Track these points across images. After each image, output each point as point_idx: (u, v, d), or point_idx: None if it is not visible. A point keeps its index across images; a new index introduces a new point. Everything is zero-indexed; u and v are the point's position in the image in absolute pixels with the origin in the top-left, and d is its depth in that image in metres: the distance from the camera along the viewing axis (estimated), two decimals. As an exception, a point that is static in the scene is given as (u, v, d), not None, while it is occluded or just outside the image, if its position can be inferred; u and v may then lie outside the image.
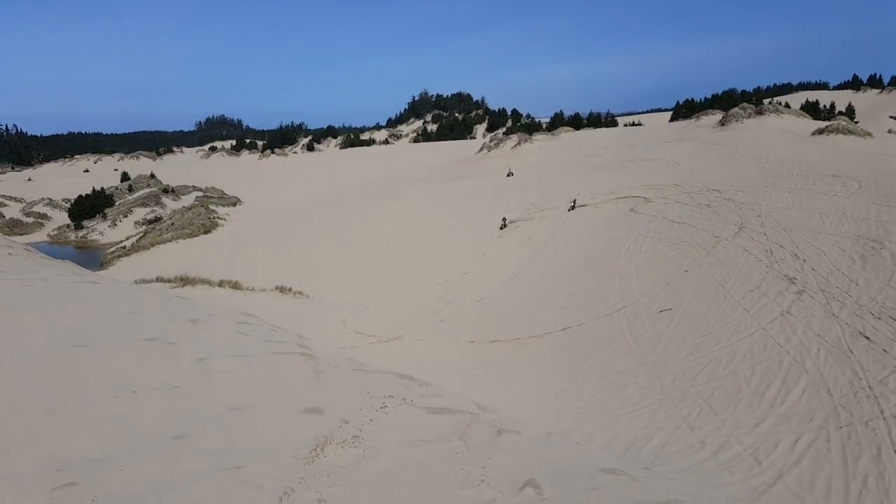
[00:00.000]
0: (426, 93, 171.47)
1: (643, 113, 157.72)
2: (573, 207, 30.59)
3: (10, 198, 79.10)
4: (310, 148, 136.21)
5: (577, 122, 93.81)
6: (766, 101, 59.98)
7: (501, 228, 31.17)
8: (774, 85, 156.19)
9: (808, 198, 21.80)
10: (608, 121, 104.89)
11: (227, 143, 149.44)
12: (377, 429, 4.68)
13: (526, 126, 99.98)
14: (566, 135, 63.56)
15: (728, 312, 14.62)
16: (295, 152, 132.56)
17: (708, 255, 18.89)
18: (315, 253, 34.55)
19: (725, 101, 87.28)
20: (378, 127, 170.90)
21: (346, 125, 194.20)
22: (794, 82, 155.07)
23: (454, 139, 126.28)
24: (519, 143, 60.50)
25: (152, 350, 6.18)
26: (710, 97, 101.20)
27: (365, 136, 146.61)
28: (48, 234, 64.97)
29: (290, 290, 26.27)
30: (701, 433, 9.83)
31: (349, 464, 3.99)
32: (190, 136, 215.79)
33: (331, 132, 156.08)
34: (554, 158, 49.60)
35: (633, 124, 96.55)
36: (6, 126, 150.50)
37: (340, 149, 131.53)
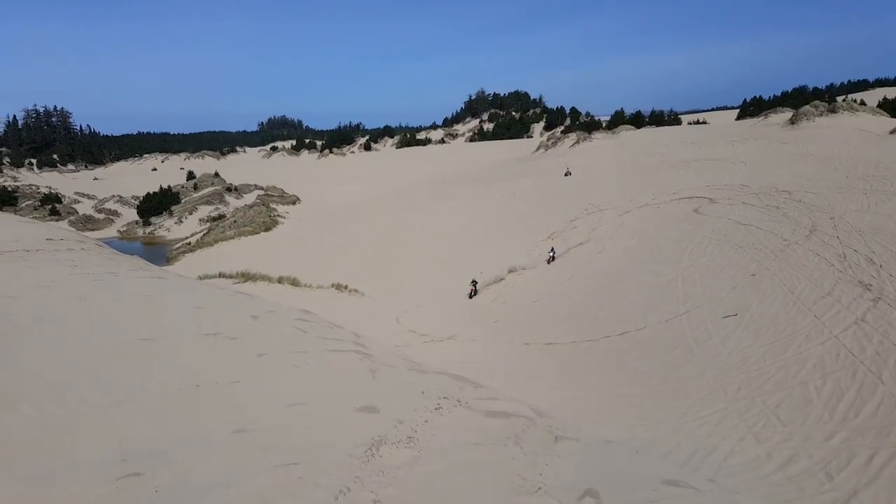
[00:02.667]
0: (483, 91, 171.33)
1: (708, 111, 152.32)
2: (552, 259, 27.30)
3: (84, 195, 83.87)
4: (367, 147, 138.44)
5: (638, 121, 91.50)
6: (839, 99, 56.84)
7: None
8: (849, 81, 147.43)
9: (885, 200, 20.53)
10: (671, 119, 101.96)
11: (288, 143, 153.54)
12: (432, 430, 4.68)
13: (585, 124, 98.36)
14: (627, 133, 62.17)
15: (798, 319, 13.94)
16: (352, 152, 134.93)
17: (776, 258, 18.07)
18: (370, 251, 35.06)
19: (796, 99, 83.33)
20: (434, 126, 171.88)
21: (403, 125, 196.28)
22: (871, 79, 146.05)
23: (511, 138, 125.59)
24: (577, 142, 59.67)
25: (215, 345, 6.40)
26: (779, 94, 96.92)
27: (421, 136, 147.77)
28: (118, 230, 68.47)
29: (345, 287, 26.76)
30: (767, 445, 9.40)
31: (404, 464, 4.01)
32: (252, 136, 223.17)
33: (387, 132, 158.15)
34: (614, 158, 48.63)
35: (698, 122, 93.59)
36: (80, 126, 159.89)
37: (396, 148, 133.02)
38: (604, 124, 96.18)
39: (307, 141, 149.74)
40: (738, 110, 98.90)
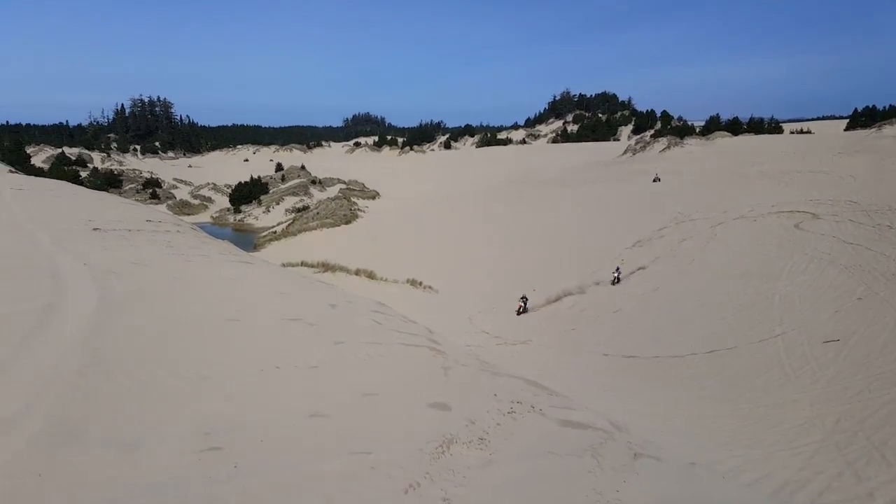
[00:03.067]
0: (568, 92, 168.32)
1: (813, 120, 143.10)
2: (617, 280, 25.02)
3: (181, 181, 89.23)
4: (447, 146, 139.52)
5: (735, 127, 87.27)
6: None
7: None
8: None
9: None
10: (772, 127, 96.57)
11: (371, 140, 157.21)
12: (504, 434, 4.61)
13: (677, 129, 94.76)
14: (722, 140, 59.43)
15: (911, 350, 12.82)
16: (432, 150, 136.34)
17: (887, 282, 16.69)
18: (445, 249, 35.27)
19: (917, 109, 76.88)
20: (516, 126, 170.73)
21: (484, 124, 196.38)
22: None
23: (596, 141, 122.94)
24: (668, 147, 57.62)
25: (295, 330, 6.60)
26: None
27: (502, 136, 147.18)
28: (211, 216, 72.24)
29: (420, 283, 27.05)
30: (869, 484, 8.67)
31: (474, 466, 3.97)
32: (337, 131, 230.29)
33: (468, 131, 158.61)
34: (707, 165, 46.60)
35: (801, 132, 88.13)
36: (180, 116, 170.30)
37: (476, 148, 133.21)
38: (697, 130, 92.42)
39: (389, 137, 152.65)
40: (846, 120, 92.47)
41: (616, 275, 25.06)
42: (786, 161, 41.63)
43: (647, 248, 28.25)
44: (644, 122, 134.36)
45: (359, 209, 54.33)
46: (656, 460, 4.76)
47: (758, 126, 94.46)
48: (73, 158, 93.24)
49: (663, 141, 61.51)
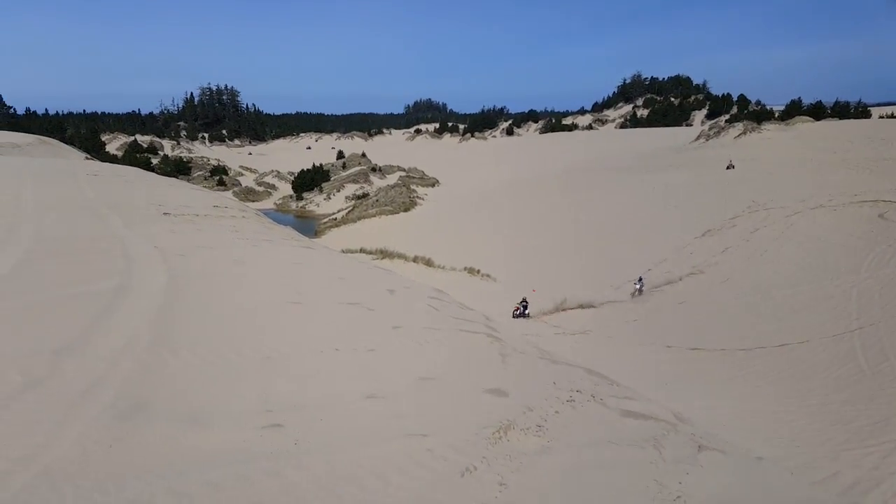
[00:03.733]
0: (639, 75, 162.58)
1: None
2: (639, 292, 22.64)
3: (246, 168, 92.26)
4: (509, 132, 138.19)
5: (818, 112, 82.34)
6: None
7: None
8: None
9: None
10: (859, 111, 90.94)
11: (431, 127, 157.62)
12: (563, 422, 4.54)
13: (754, 114, 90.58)
14: (803, 125, 56.33)
15: None
16: (494, 136, 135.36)
17: None
18: (504, 237, 35.06)
19: None
20: (582, 111, 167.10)
21: (549, 109, 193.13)
22: None
23: (667, 126, 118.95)
24: (744, 133, 55.11)
25: (354, 313, 6.70)
26: None
27: (567, 121, 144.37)
28: (274, 203, 74.41)
29: (478, 271, 27.04)
30: (956, 490, 8.13)
31: (532, 452, 3.92)
32: (398, 118, 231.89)
33: (532, 116, 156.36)
34: (786, 152, 44.37)
35: (892, 116, 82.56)
36: (246, 105, 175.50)
37: (540, 133, 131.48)
38: (776, 114, 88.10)
39: (450, 124, 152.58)
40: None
41: (638, 286, 22.78)
42: (872, 148, 39.16)
43: (718, 237, 27.22)
44: (719, 106, 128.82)
45: (418, 196, 54.73)
46: (721, 453, 4.58)
47: (843, 110, 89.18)
48: (145, 146, 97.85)
49: (739, 126, 58.83)
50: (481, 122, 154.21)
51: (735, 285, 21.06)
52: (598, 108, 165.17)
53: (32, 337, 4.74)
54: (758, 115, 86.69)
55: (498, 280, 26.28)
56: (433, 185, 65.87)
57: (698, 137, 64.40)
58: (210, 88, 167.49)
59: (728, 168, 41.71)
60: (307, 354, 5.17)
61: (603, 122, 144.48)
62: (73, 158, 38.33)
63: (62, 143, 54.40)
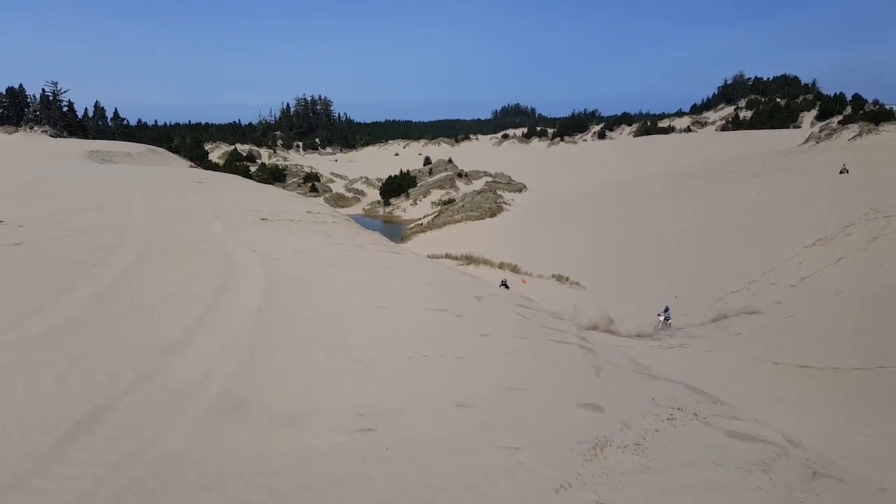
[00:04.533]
0: (741, 75, 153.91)
1: None
2: (665, 323, 19.90)
3: (337, 175, 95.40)
4: (601, 136, 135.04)
5: (948, 109, 75.23)
6: None
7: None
8: None
9: None
10: None
11: (519, 131, 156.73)
12: (663, 440, 4.33)
13: (871, 114, 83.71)
14: (931, 125, 51.63)
15: None
16: (584, 140, 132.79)
17: None
18: (595, 244, 34.26)
19: None
20: (680, 113, 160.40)
21: (643, 111, 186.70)
22: None
23: (773, 128, 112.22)
24: (859, 135, 51.17)
25: (441, 320, 6.72)
26: None
27: (663, 124, 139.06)
28: (363, 208, 76.46)
29: (566, 279, 26.57)
30: None
31: (630, 471, 3.76)
32: (486, 124, 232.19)
33: (625, 119, 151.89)
34: (908, 153, 40.77)
35: None
36: (338, 114, 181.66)
37: (634, 137, 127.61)
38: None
39: (538, 129, 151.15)
40: None
41: (662, 318, 20.04)
42: None
43: (830, 247, 25.32)
44: (831, 106, 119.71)
45: (504, 202, 54.54)
46: (839, 482, 4.23)
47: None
48: (244, 154, 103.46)
49: (854, 128, 54.66)
50: (571, 126, 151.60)
51: (849, 299, 19.50)
52: (696, 109, 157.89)
53: (142, 334, 5.08)
54: (875, 115, 79.93)
55: (588, 288, 25.71)
56: (520, 191, 65.43)
57: (807, 140, 60.42)
58: (305, 99, 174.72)
59: (841, 172, 38.75)
60: (396, 359, 5.23)
61: (702, 124, 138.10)
62: (179, 166, 41.10)
63: (169, 152, 58.52)
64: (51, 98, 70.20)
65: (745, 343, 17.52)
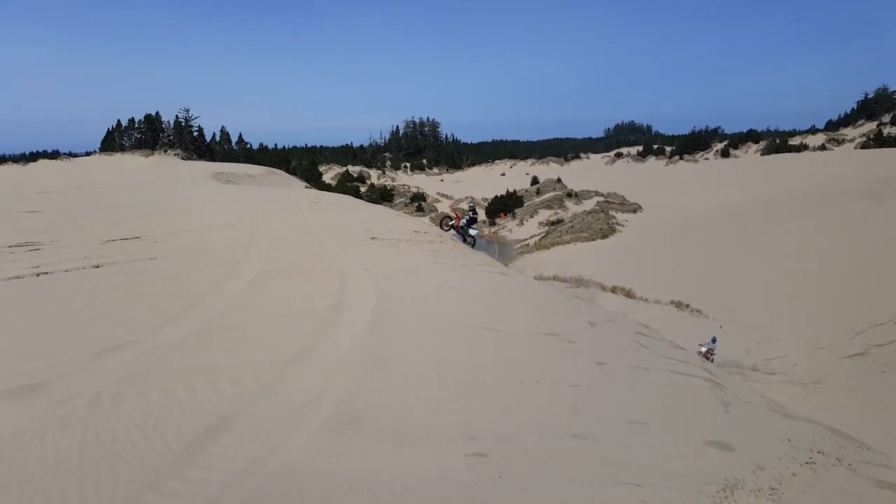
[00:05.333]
0: (885, 88, 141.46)
1: None
2: (708, 356, 16.16)
3: (443, 195, 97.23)
4: (724, 154, 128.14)
5: None
6: None
7: None
8: None
9: None
10: None
11: (634, 149, 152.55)
12: (801, 486, 3.99)
13: None
14: None
15: None
16: (706, 158, 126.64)
17: None
18: (717, 268, 32.45)
19: None
20: (813, 130, 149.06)
21: (771, 128, 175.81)
22: None
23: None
24: None
25: (553, 345, 6.61)
26: None
27: (794, 141, 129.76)
28: (468, 229, 77.21)
29: (686, 305, 25.31)
30: None
31: (765, 519, 3.49)
32: (597, 142, 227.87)
33: (751, 136, 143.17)
34: None
35: None
36: (445, 135, 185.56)
37: (761, 155, 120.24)
38: None
39: (655, 147, 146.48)
40: None
41: (705, 349, 16.92)
42: None
43: None
44: None
45: (617, 223, 53.14)
46: None
47: None
48: (355, 175, 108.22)
49: None
50: (691, 144, 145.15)
51: None
52: (832, 126, 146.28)
53: (264, 347, 5.38)
54: None
55: (709, 316, 24.35)
56: (635, 211, 63.51)
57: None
58: (413, 121, 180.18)
59: None
60: (507, 384, 5.18)
61: (839, 141, 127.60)
62: (295, 187, 43.54)
63: (287, 174, 62.18)
64: (183, 124, 76.92)
65: (893, 381, 15.87)
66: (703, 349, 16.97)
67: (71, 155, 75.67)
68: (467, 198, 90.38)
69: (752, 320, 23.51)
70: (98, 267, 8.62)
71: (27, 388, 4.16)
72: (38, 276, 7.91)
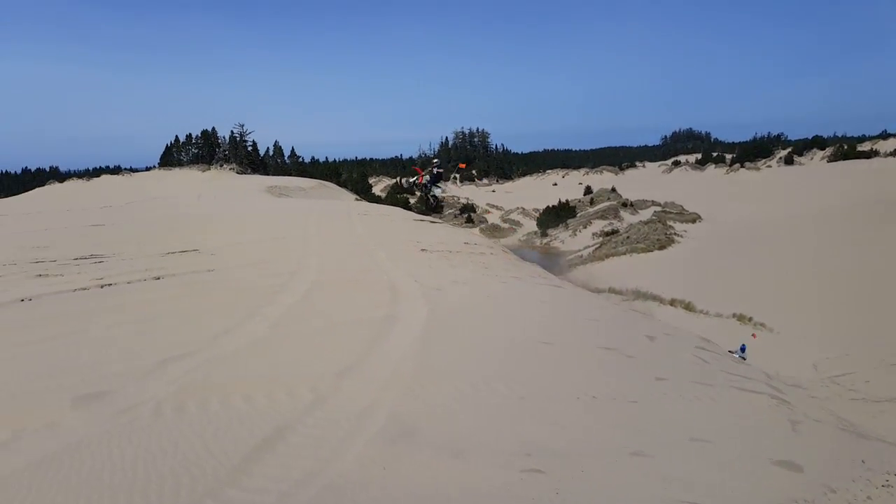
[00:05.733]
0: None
1: None
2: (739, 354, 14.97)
3: (493, 206, 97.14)
4: (787, 161, 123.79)
5: None
6: None
7: None
8: None
9: None
10: None
11: (692, 157, 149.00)
12: (879, 512, 3.81)
13: None
14: None
15: None
16: (768, 166, 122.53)
17: None
18: (782, 280, 31.31)
19: None
20: (885, 135, 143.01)
21: (839, 134, 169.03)
22: None
23: None
24: None
25: (611, 359, 6.50)
26: None
27: (864, 147, 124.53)
28: (518, 239, 76.83)
29: (749, 319, 24.48)
30: None
31: (840, 546, 3.34)
32: (653, 150, 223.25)
33: (817, 142, 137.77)
34: None
35: None
36: (495, 145, 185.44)
37: (827, 162, 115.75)
38: None
39: (714, 154, 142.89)
40: None
41: (736, 355, 14.24)
42: None
43: None
44: None
45: (675, 233, 52.00)
46: None
47: None
48: (405, 187, 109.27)
49: None
50: (753, 151, 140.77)
51: None
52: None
53: (318, 358, 5.48)
54: None
55: (774, 330, 23.50)
56: (694, 221, 61.94)
57: None
58: (463, 132, 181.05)
59: None
60: (563, 399, 5.13)
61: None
62: (346, 199, 44.31)
63: (337, 186, 63.32)
64: (238, 139, 79.50)
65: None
66: (736, 356, 15.56)
67: (132, 170, 79.19)
68: (518, 208, 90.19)
69: (820, 335, 22.58)
70: (158, 279, 8.97)
71: (93, 396, 4.35)
72: (102, 287, 8.28)
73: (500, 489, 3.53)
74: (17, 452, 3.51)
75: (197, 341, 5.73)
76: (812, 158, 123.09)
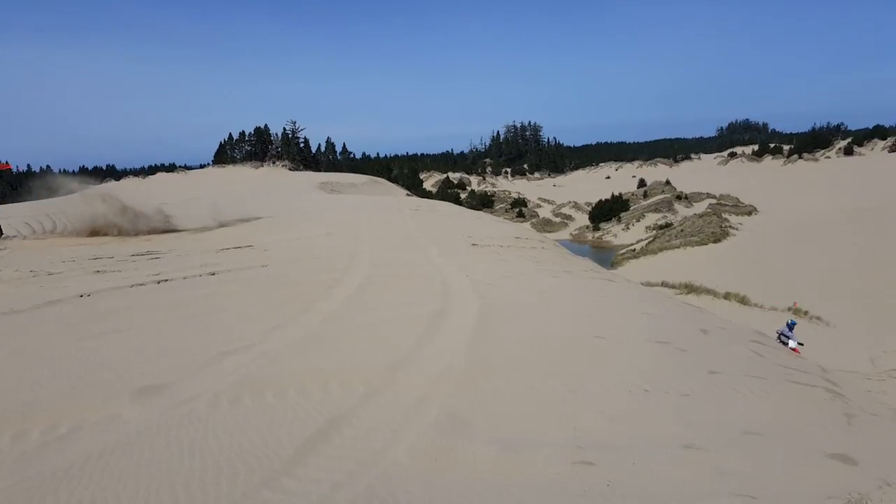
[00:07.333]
0: None
1: None
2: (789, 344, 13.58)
3: (545, 200, 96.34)
4: (847, 152, 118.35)
5: None
6: None
7: None
8: None
9: None
10: None
11: (749, 149, 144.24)
12: (948, 511, 3.64)
13: None
14: None
15: None
16: (827, 157, 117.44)
17: None
18: (840, 274, 30.06)
19: None
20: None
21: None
22: None
23: None
24: None
25: (663, 353, 6.38)
26: None
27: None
28: (570, 233, 76.09)
29: (805, 312, 23.61)
30: None
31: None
32: (709, 142, 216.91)
33: (878, 132, 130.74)
34: None
35: None
36: (548, 139, 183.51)
37: (889, 152, 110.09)
38: None
39: (771, 146, 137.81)
40: None
41: (782, 334, 14.40)
42: None
43: None
44: None
45: (730, 226, 50.51)
46: None
47: None
48: (455, 182, 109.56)
49: None
50: (811, 142, 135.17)
51: None
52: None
53: (371, 351, 5.57)
54: None
55: (831, 324, 22.59)
56: (749, 214, 60.07)
57: None
58: (515, 126, 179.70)
59: None
60: (615, 392, 5.07)
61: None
62: (397, 195, 44.70)
63: (388, 182, 63.97)
64: (290, 136, 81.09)
65: None
66: (782, 336, 14.53)
67: (186, 167, 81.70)
68: (569, 202, 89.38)
69: (877, 328, 21.63)
70: (214, 274, 9.26)
71: (151, 388, 4.53)
72: (158, 283, 8.60)
73: (552, 481, 3.54)
74: (78, 443, 3.69)
75: (252, 335, 5.89)
76: (873, 149, 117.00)
